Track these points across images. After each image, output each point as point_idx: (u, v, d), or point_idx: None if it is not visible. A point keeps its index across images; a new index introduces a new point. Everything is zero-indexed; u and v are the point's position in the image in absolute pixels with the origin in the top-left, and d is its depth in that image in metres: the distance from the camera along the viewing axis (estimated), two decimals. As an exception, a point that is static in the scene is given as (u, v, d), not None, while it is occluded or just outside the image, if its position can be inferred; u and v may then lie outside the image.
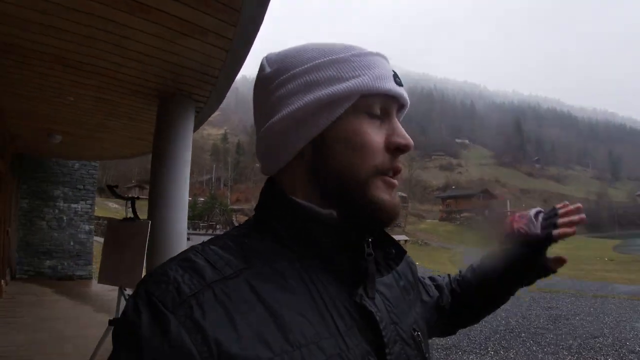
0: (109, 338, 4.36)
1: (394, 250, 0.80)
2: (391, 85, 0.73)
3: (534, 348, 8.16)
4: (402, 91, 0.76)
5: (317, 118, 0.73)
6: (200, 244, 0.71)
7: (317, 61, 0.75)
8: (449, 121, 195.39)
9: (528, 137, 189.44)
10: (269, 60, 0.80)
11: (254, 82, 0.82)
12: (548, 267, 1.03)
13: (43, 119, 6.42)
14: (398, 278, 0.91)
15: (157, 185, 4.75)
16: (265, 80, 0.78)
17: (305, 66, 0.75)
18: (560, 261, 1.02)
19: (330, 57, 0.75)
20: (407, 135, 0.74)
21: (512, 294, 1.14)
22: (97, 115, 6.04)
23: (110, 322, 4.34)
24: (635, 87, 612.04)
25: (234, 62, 4.10)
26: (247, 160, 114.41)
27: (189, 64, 4.13)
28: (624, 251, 46.76)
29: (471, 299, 1.15)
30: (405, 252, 0.83)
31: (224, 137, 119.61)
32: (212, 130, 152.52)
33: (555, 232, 0.99)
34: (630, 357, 7.43)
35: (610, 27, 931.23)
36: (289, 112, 0.73)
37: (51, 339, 5.81)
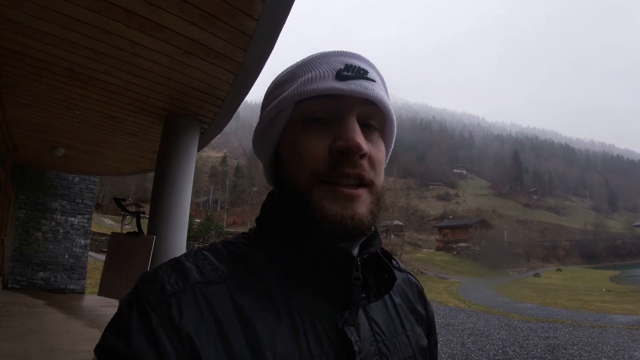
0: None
1: (386, 276, 0.77)
2: (327, 84, 0.70)
3: (531, 378, 8.12)
4: (348, 85, 0.70)
5: (267, 132, 0.78)
6: (196, 248, 0.74)
7: (278, 79, 0.80)
8: (447, 151, 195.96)
9: (525, 168, 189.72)
10: None
11: None
12: None
13: (48, 131, 6.44)
14: (402, 310, 0.87)
15: (158, 203, 4.75)
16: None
17: (271, 86, 0.81)
18: None
19: (283, 74, 0.79)
20: (353, 135, 0.68)
21: None
22: (102, 131, 6.06)
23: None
24: (633, 120, 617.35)
25: (242, 85, 4.14)
26: (245, 183, 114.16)
27: (197, 84, 4.17)
28: (621, 282, 46.63)
29: None
30: (394, 279, 0.77)
31: (224, 160, 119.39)
32: (211, 153, 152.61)
33: None
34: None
35: (609, 61, 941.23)
36: (255, 129, 0.81)
37: (39, 351, 5.72)
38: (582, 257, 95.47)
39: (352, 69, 0.72)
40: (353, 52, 0.77)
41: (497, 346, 10.59)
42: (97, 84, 4.38)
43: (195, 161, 5.02)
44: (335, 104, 0.71)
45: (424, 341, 0.88)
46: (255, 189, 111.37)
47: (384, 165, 0.78)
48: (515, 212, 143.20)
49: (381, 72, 0.81)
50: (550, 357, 9.80)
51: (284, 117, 0.75)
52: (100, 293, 4.75)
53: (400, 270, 0.95)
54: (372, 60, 0.79)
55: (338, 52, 0.76)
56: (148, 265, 4.35)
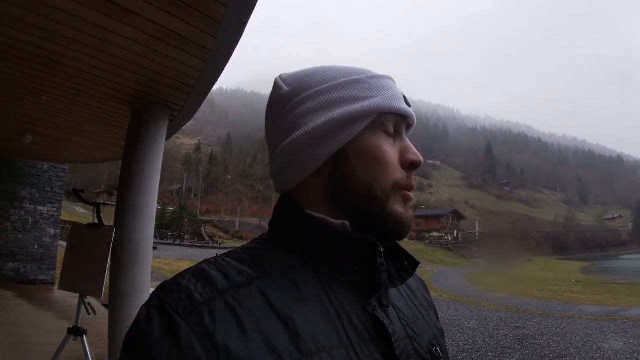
0: (69, 346, 4.25)
1: (406, 262, 0.82)
2: (403, 105, 0.79)
3: (501, 368, 8.24)
4: (412, 111, 0.81)
5: (338, 134, 0.76)
6: (213, 257, 0.73)
7: (336, 81, 0.79)
8: (421, 142, 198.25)
9: (498, 161, 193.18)
10: (284, 79, 0.84)
11: (268, 101, 0.86)
12: None
13: (15, 117, 6.24)
14: (414, 297, 0.93)
15: (125, 192, 4.66)
16: (283, 99, 0.81)
17: (325, 85, 0.79)
18: None
19: (348, 78, 0.79)
20: (418, 152, 0.79)
21: None
22: (71, 118, 5.92)
23: (69, 330, 4.20)
24: (605, 117, 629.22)
25: (211, 73, 4.08)
26: (219, 171, 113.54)
27: (165, 71, 4.09)
28: (591, 273, 47.83)
29: None
30: (418, 262, 0.84)
31: (197, 147, 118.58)
32: (185, 140, 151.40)
33: None
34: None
35: (584, 62, 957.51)
36: (312, 128, 0.76)
37: (9, 344, 5.63)
38: (553, 248, 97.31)
39: (406, 98, 0.82)
40: None
41: (467, 335, 10.74)
42: (65, 70, 4.26)
43: (163, 149, 4.93)
44: (401, 123, 0.80)
45: (440, 325, 0.95)
46: (229, 177, 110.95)
47: None
48: (488, 203, 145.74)
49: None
50: (519, 347, 9.96)
51: (362, 124, 0.76)
52: (60, 287, 4.62)
53: None
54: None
55: (390, 77, 0.84)
56: (108, 257, 4.28)
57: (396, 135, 0.80)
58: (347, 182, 0.76)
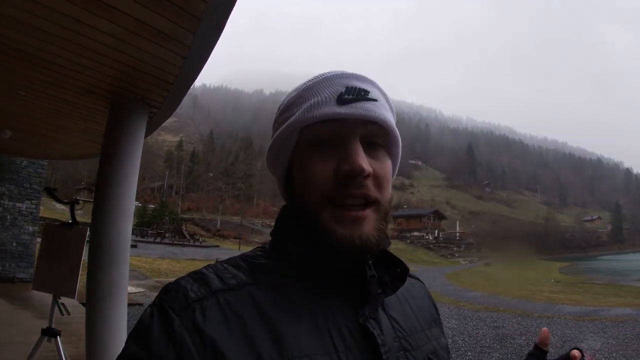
0: (49, 346, 4.18)
1: (399, 270, 0.82)
2: (329, 110, 0.75)
3: (479, 368, 8.28)
4: (349, 109, 0.75)
5: (278, 153, 0.83)
6: (215, 261, 0.79)
7: (282, 105, 0.86)
8: (403, 142, 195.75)
9: (479, 162, 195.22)
10: None
11: None
12: None
13: (-7, 112, 6.14)
14: (418, 309, 0.92)
15: (103, 189, 4.55)
16: None
17: (278, 111, 0.87)
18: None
19: (290, 96, 0.84)
20: (356, 158, 0.72)
21: None
22: (50, 113, 5.80)
23: (43, 331, 4.14)
24: (586, 122, 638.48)
25: (190, 69, 4.02)
26: (201, 169, 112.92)
27: (144, 67, 4.02)
28: (570, 273, 48.54)
29: None
30: (407, 270, 0.83)
31: (179, 144, 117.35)
32: (167, 137, 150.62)
33: None
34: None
35: (565, 68, 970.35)
36: (268, 149, 0.86)
37: (-14, 343, 5.53)
38: (533, 248, 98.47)
39: (353, 91, 0.77)
40: (355, 73, 0.81)
41: (446, 335, 10.79)
42: (43, 65, 4.17)
43: (142, 146, 4.83)
44: (339, 127, 0.75)
45: (444, 339, 0.95)
46: (211, 174, 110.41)
47: (390, 181, 0.82)
48: (468, 203, 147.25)
49: (383, 89, 0.84)
50: (498, 346, 10.05)
51: (292, 141, 0.80)
52: (34, 287, 4.56)
53: (410, 276, 0.97)
54: (375, 80, 0.83)
55: (340, 74, 0.80)
56: (81, 257, 4.22)
57: (335, 143, 0.76)
58: (294, 197, 0.81)
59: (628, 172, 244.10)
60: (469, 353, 9.22)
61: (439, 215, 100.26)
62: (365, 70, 0.83)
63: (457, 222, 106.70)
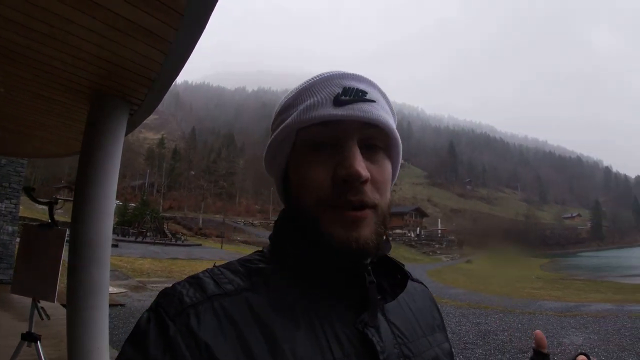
0: (24, 350, 4.10)
1: (399, 276, 0.81)
2: (325, 111, 0.73)
3: (463, 364, 8.33)
4: (346, 110, 0.73)
5: (276, 155, 0.82)
6: (213, 266, 0.78)
7: (279, 108, 0.84)
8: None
9: (461, 160, 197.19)
10: None
11: None
12: None
13: (-31, 109, 6.02)
14: (420, 315, 0.91)
15: (82, 188, 4.45)
16: None
17: (274, 115, 0.86)
18: None
19: (288, 97, 0.82)
20: (353, 163, 0.70)
21: None
22: (29, 110, 5.69)
23: (23, 336, 4.07)
24: (566, 121, 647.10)
25: (172, 66, 3.96)
26: (183, 166, 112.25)
27: (124, 63, 3.95)
28: (550, 270, 49.21)
29: None
30: (407, 277, 0.82)
31: (161, 142, 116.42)
32: (148, 134, 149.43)
33: None
34: (558, 372, 7.74)
35: (547, 68, 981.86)
36: (264, 154, 0.86)
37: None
38: (514, 246, 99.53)
39: (350, 92, 0.75)
40: (353, 73, 0.79)
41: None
42: (21, 60, 4.07)
43: (122, 144, 4.76)
44: (336, 130, 0.74)
45: (447, 345, 0.93)
46: (193, 172, 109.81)
47: (390, 184, 0.80)
48: (450, 201, 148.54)
49: (383, 90, 0.82)
50: (481, 342, 10.14)
51: (288, 144, 0.79)
52: (13, 290, 4.47)
53: (412, 279, 0.97)
54: (374, 80, 0.81)
55: (337, 74, 0.78)
56: (60, 259, 4.15)
57: (333, 146, 0.74)
58: (291, 200, 0.80)
59: (607, 170, 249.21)
60: (453, 349, 9.27)
61: (420, 213, 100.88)
62: (346, 69, 0.79)
63: (439, 220, 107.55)
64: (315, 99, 0.75)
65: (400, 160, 0.88)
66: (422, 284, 1.04)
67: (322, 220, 0.72)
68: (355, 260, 0.73)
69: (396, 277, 0.81)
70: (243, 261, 0.79)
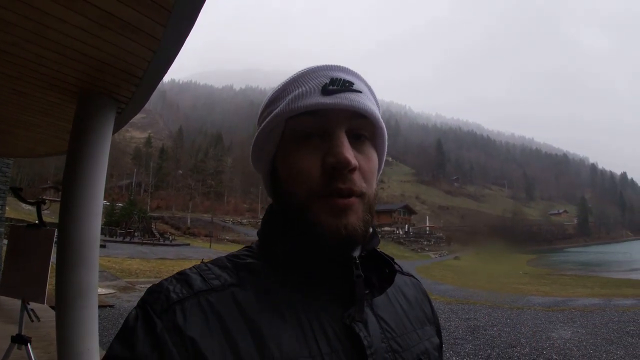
0: (15, 352, 4.06)
1: (387, 271, 0.81)
2: (313, 100, 0.74)
3: (454, 358, 8.38)
4: (333, 99, 0.74)
5: (263, 148, 0.82)
6: (200, 262, 0.79)
7: (267, 99, 0.84)
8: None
9: (448, 158, 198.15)
10: None
11: None
12: None
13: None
14: (410, 308, 0.91)
15: (70, 188, 4.41)
16: None
17: (263, 106, 0.86)
18: None
19: (275, 90, 0.83)
20: (342, 151, 0.72)
21: None
22: (13, 108, 5.62)
23: (13, 339, 4.02)
24: (552, 120, 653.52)
25: (160, 63, 3.92)
26: (170, 166, 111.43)
27: (111, 60, 3.90)
28: (538, 265, 49.73)
29: None
30: (395, 272, 0.82)
31: (148, 141, 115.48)
32: (135, 133, 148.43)
33: None
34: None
35: (533, 68, 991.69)
36: (253, 143, 0.84)
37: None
38: (501, 242, 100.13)
39: (338, 83, 0.76)
40: (339, 65, 0.80)
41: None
42: (4, 57, 4.02)
43: (110, 143, 4.71)
44: (324, 119, 0.75)
45: (436, 339, 0.94)
46: (180, 172, 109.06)
47: (376, 174, 0.82)
48: (438, 198, 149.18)
49: (368, 83, 0.84)
50: (471, 337, 10.19)
51: (277, 134, 0.79)
52: (1, 292, 4.43)
53: (403, 273, 0.99)
54: (360, 73, 0.82)
55: (325, 66, 0.79)
56: (49, 260, 4.10)
57: (322, 135, 0.76)
58: (280, 192, 0.80)
59: (593, 167, 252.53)
60: (443, 345, 9.34)
61: (409, 210, 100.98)
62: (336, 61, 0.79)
63: (427, 217, 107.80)
64: (304, 88, 0.76)
65: (386, 150, 0.89)
66: (414, 277, 1.05)
67: (311, 210, 0.73)
68: (344, 248, 0.73)
69: (384, 272, 0.81)
70: (231, 257, 0.80)
